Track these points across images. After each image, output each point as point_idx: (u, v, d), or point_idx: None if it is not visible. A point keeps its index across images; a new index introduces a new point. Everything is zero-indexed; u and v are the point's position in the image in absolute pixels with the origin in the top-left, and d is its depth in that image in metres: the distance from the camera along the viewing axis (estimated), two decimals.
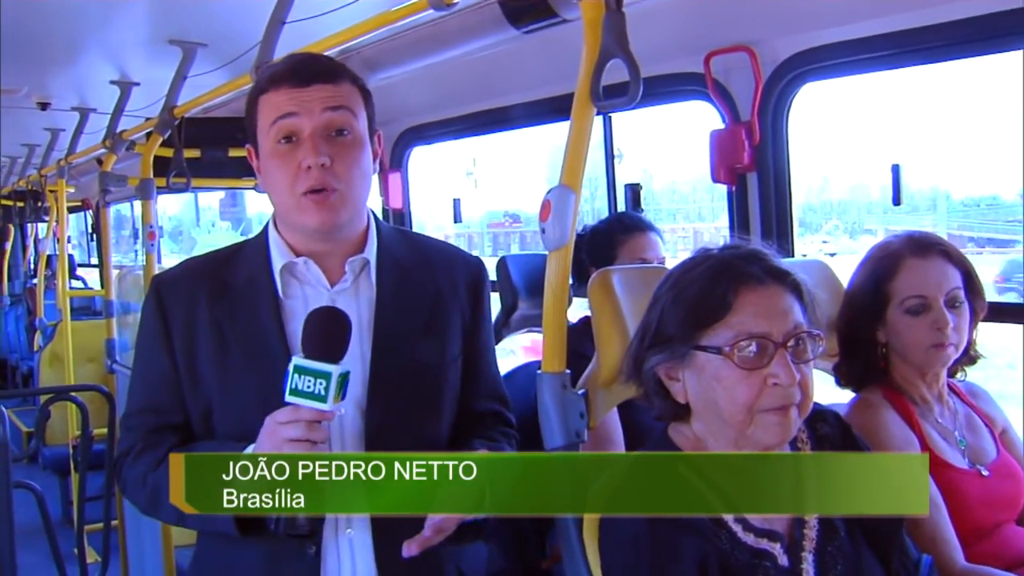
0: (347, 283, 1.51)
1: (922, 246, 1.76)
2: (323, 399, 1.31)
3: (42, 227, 7.09)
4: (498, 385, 1.67)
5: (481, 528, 1.48)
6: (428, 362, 1.53)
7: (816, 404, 1.40)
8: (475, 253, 1.75)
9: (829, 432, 1.46)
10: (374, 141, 1.52)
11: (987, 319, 1.81)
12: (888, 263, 1.76)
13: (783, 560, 1.33)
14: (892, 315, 1.75)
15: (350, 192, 1.46)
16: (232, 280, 1.52)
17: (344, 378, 1.33)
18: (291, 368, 1.32)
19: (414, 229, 3.72)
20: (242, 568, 1.49)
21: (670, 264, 2.40)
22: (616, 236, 2.44)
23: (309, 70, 1.45)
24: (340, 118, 1.44)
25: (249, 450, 1.37)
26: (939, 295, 1.72)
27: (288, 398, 1.32)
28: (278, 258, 1.52)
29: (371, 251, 1.54)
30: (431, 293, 1.55)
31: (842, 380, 1.84)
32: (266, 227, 1.56)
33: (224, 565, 1.52)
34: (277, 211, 1.53)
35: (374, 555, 1.48)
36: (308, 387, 1.31)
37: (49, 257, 6.61)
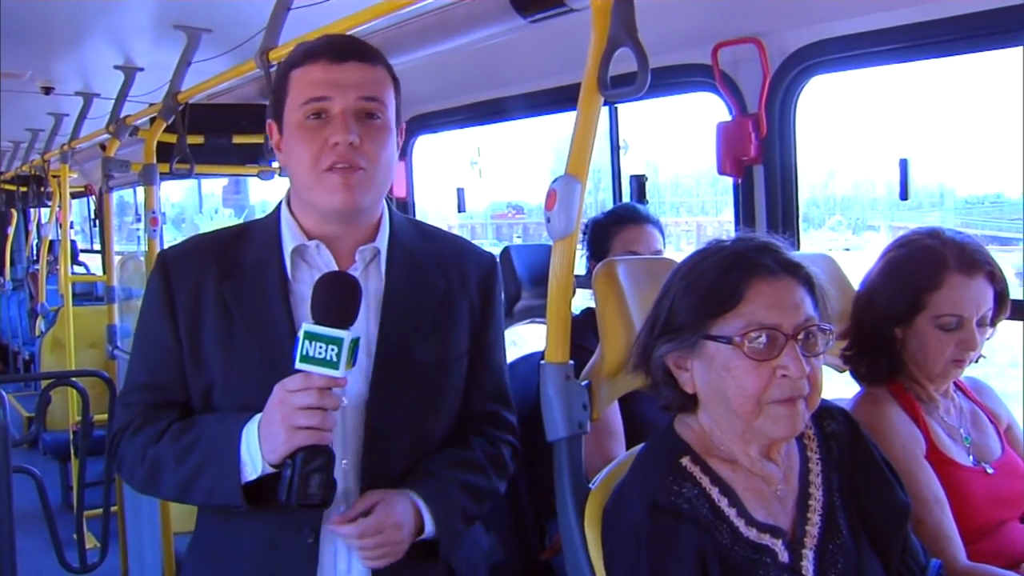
0: (356, 271, 1.48)
1: (970, 263, 1.69)
2: (335, 365, 1.29)
3: (45, 212, 7.09)
4: (503, 385, 1.65)
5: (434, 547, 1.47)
6: (433, 359, 1.51)
7: (823, 400, 1.39)
8: (477, 242, 1.73)
9: (836, 429, 1.45)
10: (398, 132, 1.50)
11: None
12: (932, 273, 1.69)
13: (783, 556, 1.32)
14: (921, 324, 1.71)
15: (375, 173, 1.44)
16: (241, 259, 1.49)
17: (355, 344, 1.31)
18: (301, 334, 1.30)
19: (417, 218, 3.71)
20: (239, 554, 1.48)
21: (668, 256, 2.40)
22: (610, 228, 2.43)
23: (346, 45, 1.45)
24: (372, 105, 1.43)
25: (255, 420, 1.36)
26: (974, 316, 1.69)
27: (299, 365, 1.30)
28: (289, 240, 1.49)
29: (383, 241, 1.52)
30: (441, 289, 1.53)
31: (857, 375, 1.82)
32: (278, 208, 1.54)
33: (221, 550, 1.51)
34: (296, 188, 1.50)
35: None
36: (320, 353, 1.29)
37: (51, 242, 6.60)
